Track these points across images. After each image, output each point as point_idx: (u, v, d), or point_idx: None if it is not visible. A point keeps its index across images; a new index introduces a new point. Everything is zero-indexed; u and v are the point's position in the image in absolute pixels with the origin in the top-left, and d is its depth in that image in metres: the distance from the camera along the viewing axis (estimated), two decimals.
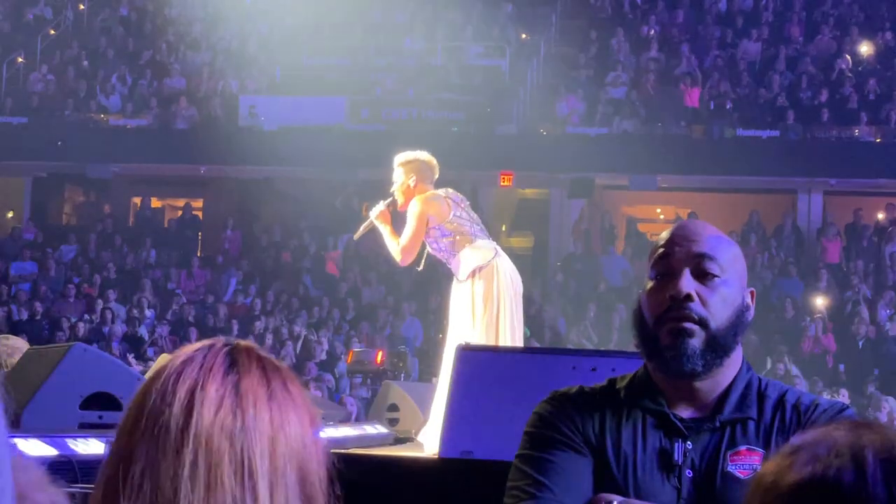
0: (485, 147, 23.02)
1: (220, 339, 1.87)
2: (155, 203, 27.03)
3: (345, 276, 23.15)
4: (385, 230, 8.31)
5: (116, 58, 27.27)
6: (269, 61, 26.21)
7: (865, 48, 25.45)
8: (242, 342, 1.87)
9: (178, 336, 20.50)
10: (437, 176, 8.39)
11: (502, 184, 22.93)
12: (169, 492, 1.71)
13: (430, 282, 22.68)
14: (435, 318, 21.68)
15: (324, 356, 19.64)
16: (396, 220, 8.46)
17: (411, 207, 8.18)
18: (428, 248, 8.26)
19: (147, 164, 25.36)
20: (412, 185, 8.25)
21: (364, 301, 22.20)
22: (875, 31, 25.75)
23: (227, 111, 25.45)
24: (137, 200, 27.18)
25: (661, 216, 26.81)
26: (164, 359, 1.88)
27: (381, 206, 8.38)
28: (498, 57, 26.54)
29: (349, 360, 16.78)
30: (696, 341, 2.69)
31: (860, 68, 24.93)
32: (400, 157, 8.41)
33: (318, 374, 18.47)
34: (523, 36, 27.32)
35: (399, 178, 8.31)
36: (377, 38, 26.18)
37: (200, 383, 1.76)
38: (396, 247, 8.17)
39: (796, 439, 1.56)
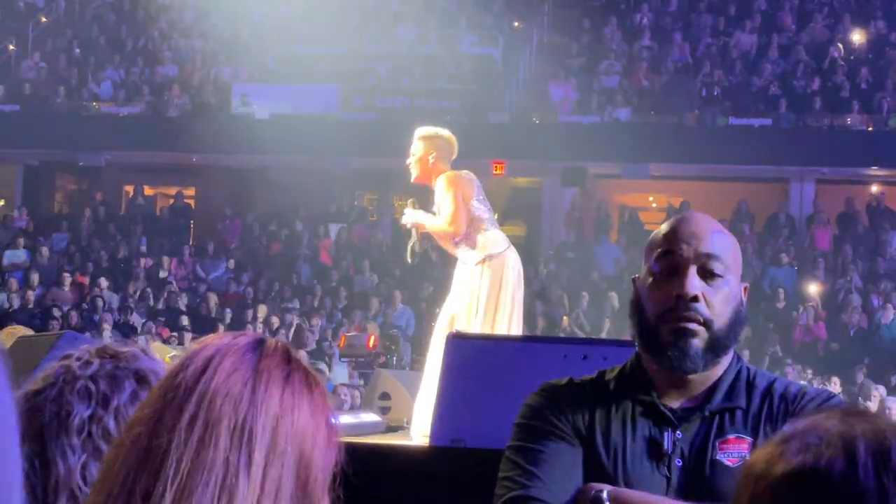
0: (477, 135, 22.99)
1: (258, 333, 1.95)
2: (147, 191, 26.99)
3: (337, 264, 23.15)
4: (425, 217, 8.21)
5: (108, 45, 27.23)
6: (262, 49, 26.16)
7: (858, 37, 25.46)
8: (278, 339, 1.93)
9: (170, 324, 20.49)
10: (455, 156, 8.33)
11: (495, 172, 22.91)
12: (164, 442, 1.75)
13: (423, 270, 22.69)
14: (427, 307, 21.69)
15: (314, 345, 19.63)
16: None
17: (442, 186, 8.09)
18: (429, 227, 8.18)
19: (139, 152, 25.33)
20: (431, 161, 8.18)
21: (356, 289, 22.21)
22: (867, 19, 25.76)
23: (219, 99, 25.42)
24: (129, 188, 27.15)
25: (654, 204, 26.82)
26: (202, 340, 1.94)
27: (408, 211, 8.31)
28: (491, 45, 26.52)
29: (341, 345, 16.76)
30: (699, 342, 2.71)
31: (852, 57, 24.94)
32: (421, 131, 8.27)
33: (311, 362, 18.48)
34: (516, 24, 27.30)
35: (417, 150, 8.22)
36: (370, 26, 26.15)
37: (220, 355, 1.82)
38: (442, 222, 8.06)
39: (787, 428, 1.56)
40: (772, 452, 1.54)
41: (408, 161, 8.27)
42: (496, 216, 8.35)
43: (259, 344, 1.86)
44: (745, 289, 2.85)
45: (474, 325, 7.78)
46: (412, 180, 8.30)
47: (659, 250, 2.78)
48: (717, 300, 2.73)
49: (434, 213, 8.18)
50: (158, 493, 1.72)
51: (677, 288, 2.72)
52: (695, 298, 2.71)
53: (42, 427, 2.17)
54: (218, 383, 1.79)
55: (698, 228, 2.79)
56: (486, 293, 7.90)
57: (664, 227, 2.83)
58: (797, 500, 1.48)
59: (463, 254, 8.10)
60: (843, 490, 1.46)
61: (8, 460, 1.44)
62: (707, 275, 2.74)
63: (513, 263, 8.04)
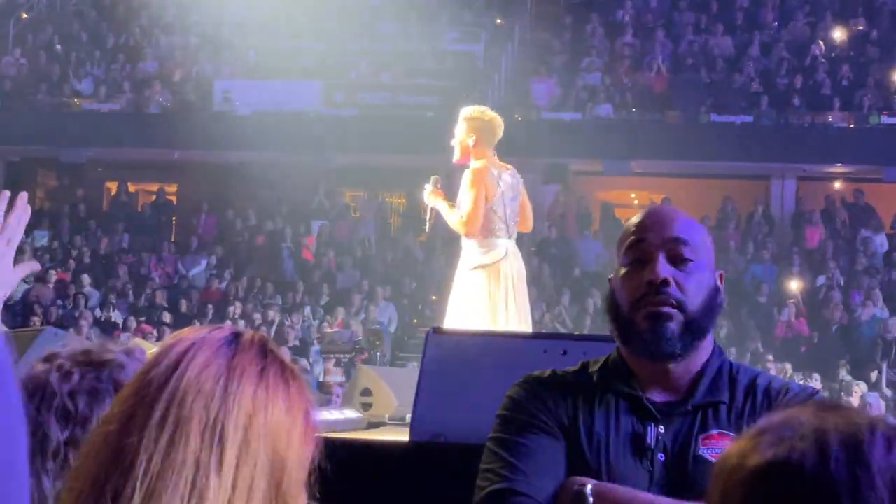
0: None
1: (235, 327, 1.92)
2: (129, 188, 26.91)
3: (319, 260, 23.13)
4: (443, 207, 8.20)
5: (89, 42, 27.15)
6: (244, 45, 26.11)
7: (839, 34, 25.52)
8: (256, 332, 1.89)
9: (151, 321, 20.44)
10: (499, 136, 8.29)
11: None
12: (134, 441, 1.72)
13: (405, 266, 22.70)
14: (409, 303, 21.70)
15: (296, 342, 19.62)
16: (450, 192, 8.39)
17: (467, 182, 8.09)
18: (444, 216, 8.19)
19: (121, 149, 25.26)
20: (471, 143, 8.15)
21: (338, 285, 22.18)
22: (848, 17, 25.84)
23: (201, 95, 25.37)
24: (111, 185, 27.07)
25: (636, 201, 26.85)
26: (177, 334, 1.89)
27: (428, 187, 8.29)
28: (473, 42, 26.52)
29: (322, 342, 16.76)
30: (675, 325, 2.71)
31: (833, 54, 25.01)
32: (465, 111, 8.25)
33: (293, 359, 18.44)
34: (498, 21, 27.32)
35: (460, 133, 8.20)
36: (352, 22, 26.11)
37: (193, 350, 1.79)
38: (458, 219, 8.06)
39: (762, 422, 1.56)
40: (745, 446, 1.54)
41: (451, 142, 8.26)
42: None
43: (235, 338, 1.83)
44: (721, 276, 2.86)
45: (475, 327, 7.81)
46: (454, 162, 8.28)
47: (628, 242, 2.80)
48: (688, 283, 2.74)
49: (452, 204, 8.19)
50: (127, 494, 1.70)
51: (647, 274, 2.73)
52: (665, 282, 2.72)
53: None
54: (189, 380, 1.75)
55: (664, 217, 2.83)
56: (486, 300, 7.94)
57: (632, 220, 2.86)
58: (770, 493, 1.48)
59: (466, 249, 8.13)
60: (816, 483, 1.46)
61: (15, 471, 1.41)
62: (677, 260, 2.75)
63: (507, 272, 8.05)
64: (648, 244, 2.76)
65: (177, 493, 1.70)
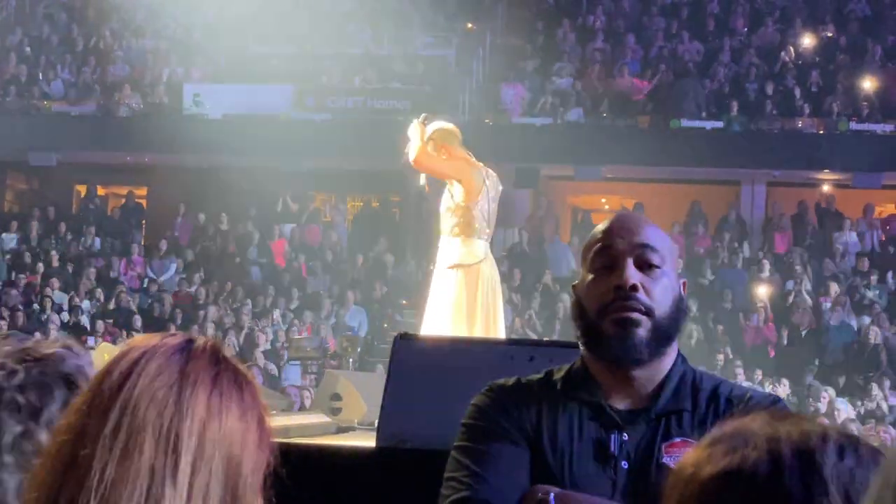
0: None
1: (189, 333, 1.89)
2: (98, 191, 26.81)
3: (290, 265, 23.09)
4: (432, 165, 8.28)
5: (60, 44, 27.05)
6: (215, 49, 26.04)
7: (808, 41, 25.64)
8: (209, 338, 1.88)
9: (120, 325, 20.36)
10: (460, 137, 8.40)
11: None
12: (87, 451, 1.71)
13: (375, 271, 22.68)
14: (380, 308, 21.67)
15: (267, 345, 19.58)
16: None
17: (462, 164, 8.15)
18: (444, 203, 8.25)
19: (91, 152, 25.17)
20: (444, 158, 8.24)
21: (308, 290, 22.15)
22: (817, 23, 25.96)
23: (171, 99, 25.30)
24: (81, 188, 26.98)
25: (607, 206, 26.90)
26: (130, 341, 1.87)
27: (415, 122, 8.36)
28: (444, 47, 26.53)
29: (290, 347, 16.74)
30: (643, 331, 2.71)
31: (800, 62, 25.12)
32: (436, 125, 8.43)
33: (262, 363, 18.40)
34: (469, 26, 27.32)
35: (414, 135, 8.28)
36: (323, 26, 26.07)
37: (146, 358, 1.78)
38: (417, 152, 8.11)
39: (715, 431, 1.57)
40: (699, 455, 1.55)
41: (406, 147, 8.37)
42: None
43: (187, 345, 1.82)
44: (684, 284, 2.87)
45: (450, 330, 7.83)
46: (412, 161, 8.34)
47: (595, 248, 2.80)
48: (656, 290, 2.74)
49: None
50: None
51: (616, 280, 2.73)
52: (634, 288, 2.72)
53: None
54: (142, 388, 1.74)
55: (631, 223, 2.83)
56: (464, 300, 7.95)
57: (598, 227, 2.86)
58: (724, 502, 1.49)
59: (443, 248, 8.14)
60: (769, 491, 1.48)
61: None
62: (644, 265, 2.76)
63: (486, 275, 8.07)
64: (616, 250, 2.76)
65: (132, 503, 1.69)
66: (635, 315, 2.71)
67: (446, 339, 6.20)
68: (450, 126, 8.40)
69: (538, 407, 2.76)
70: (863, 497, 1.47)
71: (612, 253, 2.76)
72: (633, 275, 2.73)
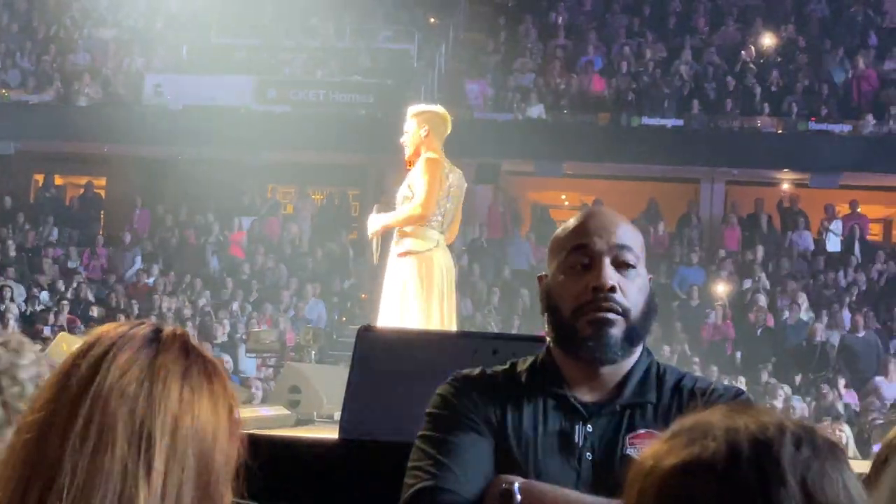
0: (392, 130, 22.95)
1: (156, 322, 1.84)
2: (57, 180, 26.63)
3: (249, 257, 23.02)
4: (388, 216, 8.30)
5: (19, 32, 26.85)
6: (176, 39, 25.94)
7: (768, 40, 25.77)
8: (177, 328, 1.84)
9: (78, 315, 20.25)
10: (448, 131, 8.38)
11: (408, 168, 22.91)
12: (57, 449, 1.66)
13: (335, 264, 22.64)
14: (339, 301, 21.65)
15: (225, 337, 19.52)
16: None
17: (421, 168, 8.15)
18: (395, 222, 8.24)
19: (49, 141, 25.01)
20: (423, 134, 8.22)
21: (267, 282, 22.10)
22: (778, 23, 26.09)
23: (131, 89, 25.16)
24: (39, 177, 26.79)
25: (567, 202, 26.96)
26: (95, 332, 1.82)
27: (372, 218, 8.37)
28: (407, 41, 26.51)
29: (248, 340, 16.67)
30: (618, 331, 2.73)
31: (761, 61, 25.25)
32: (414, 108, 8.42)
33: (219, 355, 18.36)
34: (432, 20, 27.32)
35: (411, 128, 8.27)
36: (286, 18, 26.01)
37: (114, 350, 1.73)
38: (410, 208, 8.10)
39: (675, 425, 1.60)
40: (659, 448, 1.58)
41: (401, 139, 8.34)
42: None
43: (155, 335, 1.78)
44: (650, 279, 2.88)
45: (407, 318, 7.84)
46: (405, 158, 8.34)
47: (570, 245, 2.79)
48: (632, 290, 2.76)
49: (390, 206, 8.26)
50: None
51: (594, 280, 2.74)
52: (612, 289, 2.73)
53: None
54: (112, 383, 1.69)
55: (608, 221, 2.82)
56: (412, 289, 7.97)
57: (572, 223, 2.85)
58: (684, 493, 1.52)
59: (396, 238, 8.19)
60: (727, 481, 1.50)
61: None
62: (621, 265, 2.77)
63: (438, 262, 8.10)
64: (593, 250, 2.76)
65: (105, 503, 1.65)
66: (612, 315, 2.73)
67: (410, 332, 6.20)
68: (444, 112, 8.42)
69: (503, 397, 2.77)
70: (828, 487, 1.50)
71: (589, 252, 2.76)
72: (611, 276, 2.74)
